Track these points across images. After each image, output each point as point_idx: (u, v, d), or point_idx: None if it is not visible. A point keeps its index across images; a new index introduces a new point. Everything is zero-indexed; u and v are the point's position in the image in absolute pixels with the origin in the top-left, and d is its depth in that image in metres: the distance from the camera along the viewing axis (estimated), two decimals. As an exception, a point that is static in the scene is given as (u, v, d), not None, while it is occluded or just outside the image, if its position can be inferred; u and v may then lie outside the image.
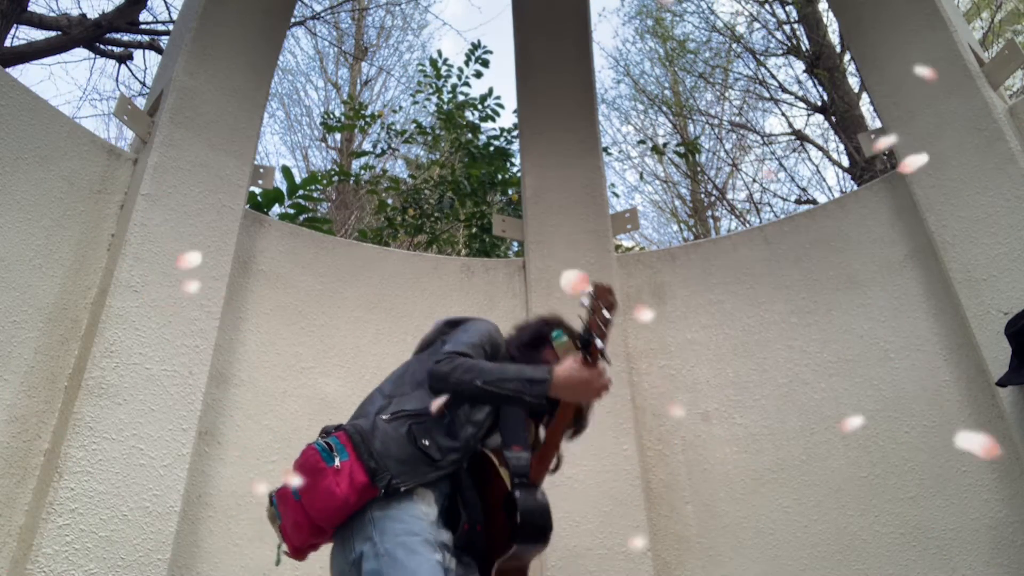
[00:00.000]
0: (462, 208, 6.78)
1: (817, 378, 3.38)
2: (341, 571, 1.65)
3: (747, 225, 10.94)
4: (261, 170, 3.80)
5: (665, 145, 9.67)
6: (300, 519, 1.65)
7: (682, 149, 8.80)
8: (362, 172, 8.78)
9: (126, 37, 7.18)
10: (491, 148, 7.16)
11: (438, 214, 6.81)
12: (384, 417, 1.72)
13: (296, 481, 1.65)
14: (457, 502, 1.75)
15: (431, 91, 7.66)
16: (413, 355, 2.03)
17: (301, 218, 5.22)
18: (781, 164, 11.11)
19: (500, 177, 6.94)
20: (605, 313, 1.64)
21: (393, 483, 1.60)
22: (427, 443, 1.68)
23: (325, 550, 1.76)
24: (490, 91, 7.32)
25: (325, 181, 8.74)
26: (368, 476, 1.60)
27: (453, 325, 1.98)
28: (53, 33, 6.32)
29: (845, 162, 9.36)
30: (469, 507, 1.75)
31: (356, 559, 1.58)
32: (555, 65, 4.44)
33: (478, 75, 7.40)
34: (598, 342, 1.64)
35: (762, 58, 10.40)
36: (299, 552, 1.71)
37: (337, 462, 1.61)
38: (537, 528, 1.73)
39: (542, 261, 3.92)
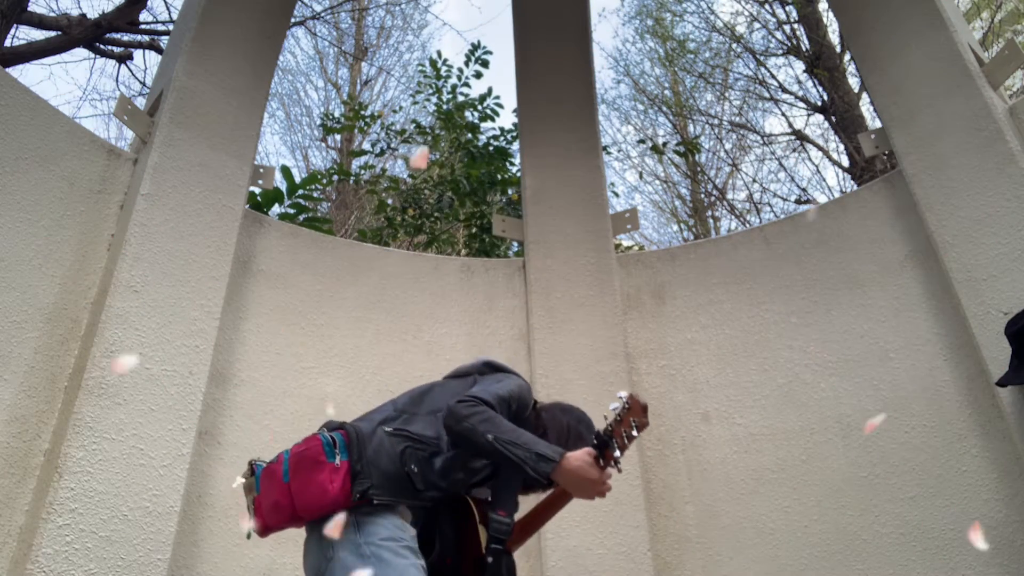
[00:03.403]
0: (462, 208, 6.78)
1: (817, 378, 3.38)
2: (317, 567, 1.63)
3: (747, 225, 10.94)
4: (261, 170, 3.81)
5: (665, 145, 9.66)
6: (283, 502, 1.63)
7: (682, 149, 8.80)
8: (362, 172, 8.78)
9: (126, 37, 7.18)
10: (491, 148, 7.16)
11: (438, 214, 6.81)
12: (387, 429, 1.71)
13: (296, 468, 1.63)
14: (433, 532, 1.74)
15: (431, 91, 7.66)
16: (443, 378, 2.01)
17: (301, 218, 5.22)
18: (781, 164, 11.12)
19: (500, 177, 6.94)
20: (634, 431, 1.67)
21: (370, 492, 1.59)
22: (415, 469, 1.67)
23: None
24: (489, 91, 7.32)
25: (325, 181, 8.74)
26: (353, 480, 1.59)
27: (492, 368, 1.96)
28: (53, 33, 6.32)
29: (845, 162, 9.36)
30: (444, 539, 1.73)
31: (333, 557, 1.58)
32: (555, 65, 4.44)
33: (478, 75, 7.41)
34: (617, 453, 1.66)
35: (762, 58, 10.41)
36: (267, 531, 1.68)
37: (338, 460, 1.61)
38: None
39: (542, 261, 3.92)
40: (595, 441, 1.70)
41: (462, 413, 1.68)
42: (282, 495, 1.62)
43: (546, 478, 1.68)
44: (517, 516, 1.84)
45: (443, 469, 1.72)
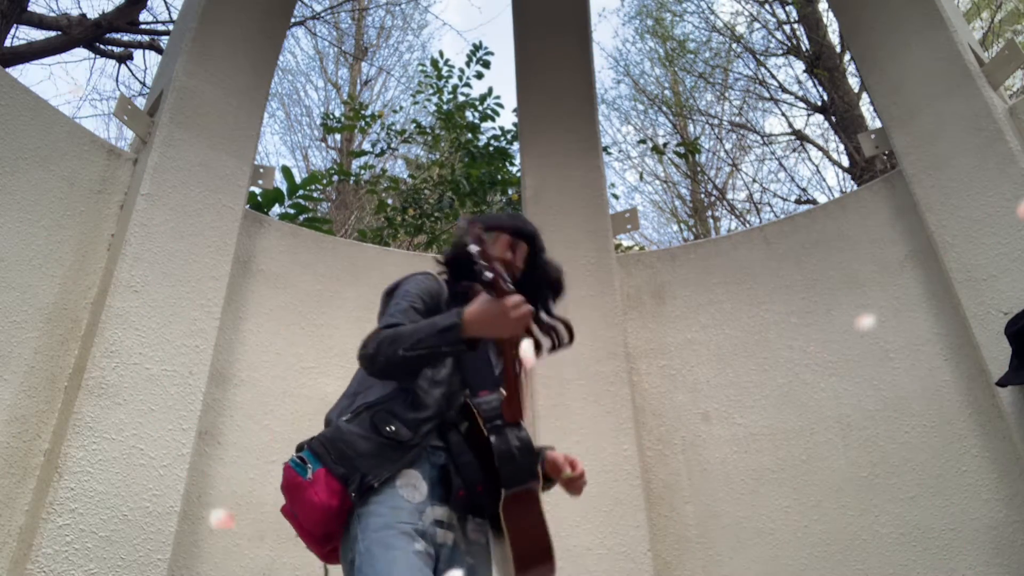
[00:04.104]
0: (462, 208, 6.78)
1: (817, 378, 3.38)
2: (345, 572, 1.65)
3: (747, 225, 10.94)
4: (261, 170, 3.81)
5: (665, 145, 9.67)
6: (303, 533, 1.67)
7: (682, 149, 8.80)
8: (362, 172, 8.78)
9: (126, 37, 7.18)
10: (491, 148, 7.16)
11: (438, 214, 6.82)
12: (345, 418, 1.69)
13: (287, 499, 1.65)
14: (450, 470, 1.68)
15: (432, 91, 7.67)
16: None
17: (301, 218, 5.22)
18: (781, 164, 11.11)
19: (500, 177, 6.94)
20: (480, 247, 1.58)
21: (366, 481, 1.57)
22: (392, 428, 1.63)
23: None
24: (490, 91, 7.32)
25: (325, 181, 8.75)
26: (341, 482, 1.58)
27: (388, 294, 1.90)
28: (53, 33, 6.32)
29: (845, 162, 9.36)
30: (464, 470, 1.66)
31: (350, 559, 1.59)
32: (555, 65, 4.44)
33: (479, 76, 7.41)
34: (487, 275, 1.56)
35: (762, 58, 10.41)
36: (328, 557, 1.72)
37: (310, 473, 1.59)
38: (519, 468, 1.64)
39: (542, 261, 3.91)
40: (482, 282, 1.60)
41: (368, 353, 1.65)
42: (299, 528, 1.66)
43: (462, 342, 1.60)
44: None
45: (415, 403, 1.69)
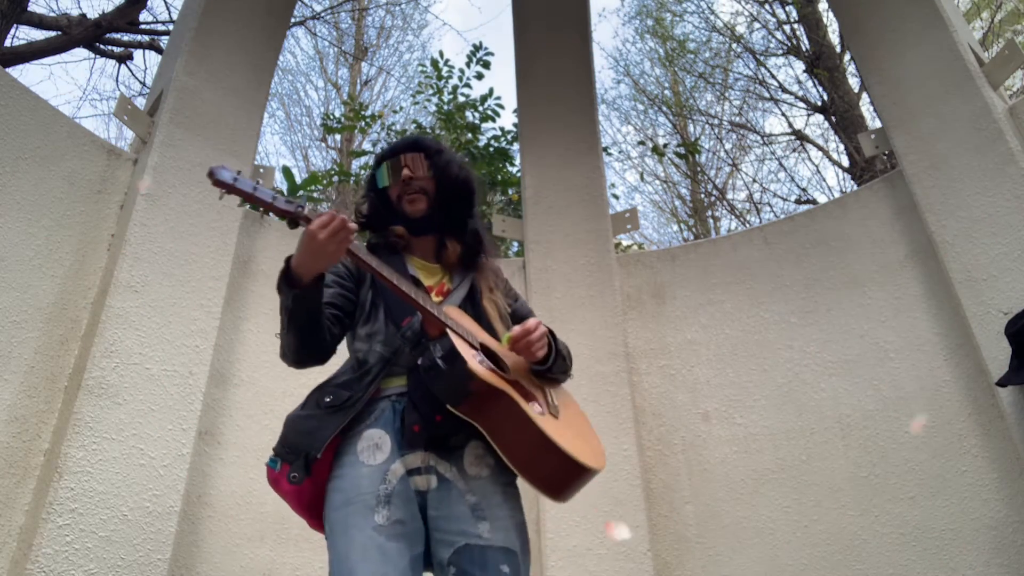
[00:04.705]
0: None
1: (817, 378, 3.38)
2: None
3: (747, 225, 10.94)
4: (261, 170, 3.80)
5: (665, 145, 9.67)
6: (306, 520, 1.66)
7: (682, 149, 8.80)
8: (362, 172, 8.78)
9: (126, 37, 7.18)
10: (491, 148, 7.16)
11: (438, 214, 6.80)
12: (294, 410, 1.70)
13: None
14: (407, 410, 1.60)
15: (432, 92, 7.67)
16: None
17: (301, 218, 5.21)
18: (781, 164, 11.11)
19: (500, 177, 6.94)
20: (233, 192, 1.51)
21: (311, 456, 1.55)
22: (329, 399, 1.62)
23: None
24: (490, 91, 7.33)
25: (325, 181, 8.75)
26: (290, 466, 1.57)
27: None
28: (53, 33, 6.32)
29: (845, 162, 9.36)
30: (420, 405, 1.54)
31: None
32: (555, 65, 4.44)
33: (479, 77, 7.41)
34: (284, 214, 1.50)
35: (762, 58, 10.41)
36: None
37: (278, 465, 1.60)
38: (450, 377, 1.48)
39: (542, 261, 3.92)
40: (295, 222, 1.53)
41: (283, 359, 1.72)
42: (300, 516, 1.66)
43: (299, 282, 1.57)
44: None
45: (358, 365, 1.68)
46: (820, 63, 8.90)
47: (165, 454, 2.70)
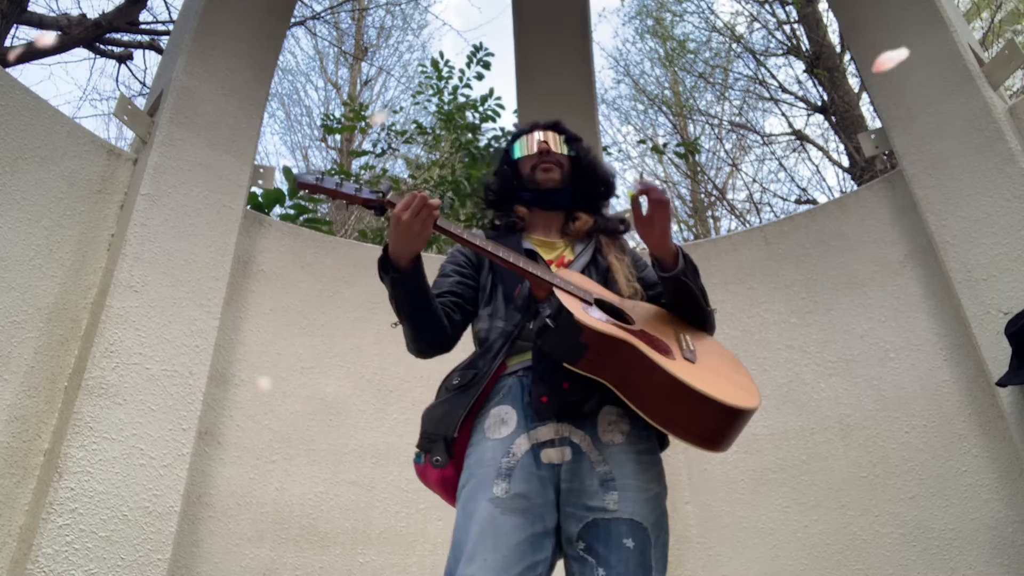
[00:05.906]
0: (463, 209, 6.78)
1: (817, 378, 3.38)
2: None
3: (747, 225, 10.94)
4: (261, 170, 3.80)
5: (665, 145, 9.67)
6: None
7: (682, 149, 8.80)
8: (362, 172, 8.78)
9: (126, 37, 7.18)
10: (492, 149, 7.17)
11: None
12: (430, 404, 1.69)
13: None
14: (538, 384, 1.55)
15: (432, 92, 7.67)
16: None
17: (301, 218, 5.22)
18: (781, 164, 11.11)
19: (500, 177, 6.93)
20: (319, 192, 1.52)
21: (449, 439, 1.55)
22: (457, 380, 1.62)
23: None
24: (491, 92, 7.33)
25: (325, 181, 8.72)
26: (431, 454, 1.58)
27: None
28: (53, 33, 6.32)
29: (845, 162, 9.36)
30: (545, 375, 1.51)
31: None
32: (555, 65, 4.44)
33: (479, 77, 7.41)
34: (370, 203, 1.52)
35: (762, 58, 10.41)
36: None
37: (422, 459, 1.61)
38: (559, 334, 1.42)
39: (542, 261, 3.91)
40: (382, 209, 1.55)
41: (409, 350, 1.74)
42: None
43: (393, 270, 1.58)
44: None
45: (482, 345, 1.68)
46: (820, 63, 8.90)
47: (165, 454, 2.70)
